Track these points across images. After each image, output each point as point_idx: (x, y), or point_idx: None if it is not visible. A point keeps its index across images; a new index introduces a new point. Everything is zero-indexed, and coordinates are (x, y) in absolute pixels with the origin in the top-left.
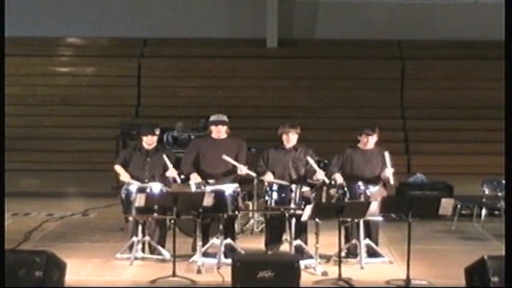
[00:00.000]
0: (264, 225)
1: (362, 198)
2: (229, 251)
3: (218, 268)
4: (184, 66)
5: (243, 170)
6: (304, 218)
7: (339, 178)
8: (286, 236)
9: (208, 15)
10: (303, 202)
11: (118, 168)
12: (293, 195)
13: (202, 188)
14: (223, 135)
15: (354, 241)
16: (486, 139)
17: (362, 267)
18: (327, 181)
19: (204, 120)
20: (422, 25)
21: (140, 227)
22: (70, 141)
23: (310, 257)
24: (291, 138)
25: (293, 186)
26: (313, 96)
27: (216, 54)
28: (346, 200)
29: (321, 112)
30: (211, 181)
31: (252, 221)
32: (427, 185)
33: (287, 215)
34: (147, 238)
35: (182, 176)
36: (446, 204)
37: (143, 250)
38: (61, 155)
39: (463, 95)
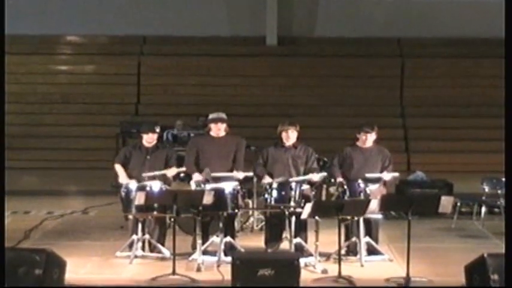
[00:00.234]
0: (263, 223)
1: (362, 196)
2: (229, 249)
3: (218, 266)
4: (184, 64)
5: (239, 175)
6: (304, 216)
7: (340, 179)
8: (286, 234)
9: (208, 13)
10: (303, 200)
11: (117, 167)
12: (293, 193)
13: (202, 186)
14: (222, 133)
15: (353, 239)
16: (486, 137)
17: (362, 265)
18: (317, 178)
19: (203, 118)
20: (422, 23)
21: (140, 225)
22: (70, 139)
23: (310, 255)
24: (290, 136)
25: (293, 184)
26: (313, 94)
27: (216, 52)
28: (345, 198)
29: (321, 110)
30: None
31: (251, 219)
32: (426, 183)
33: (287, 213)
34: (147, 236)
35: (182, 174)
36: (446, 202)
37: (143, 248)
38: (61, 153)
39: (463, 93)
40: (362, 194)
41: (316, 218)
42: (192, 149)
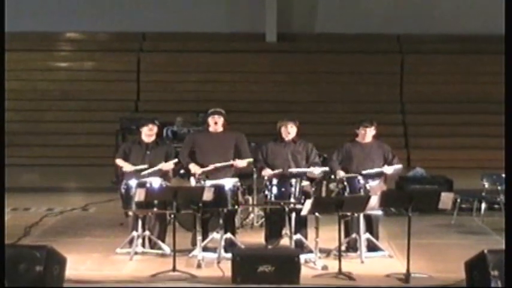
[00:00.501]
0: (263, 219)
1: (362, 193)
2: (229, 246)
3: (218, 263)
4: (183, 60)
5: (241, 162)
6: (304, 212)
7: (341, 173)
8: (286, 231)
9: (208, 9)
10: (303, 196)
11: (119, 161)
12: (293, 189)
13: (202, 182)
14: (220, 128)
15: (353, 235)
16: (486, 133)
17: (362, 262)
18: (318, 172)
19: (203, 115)
20: (422, 19)
21: (140, 222)
22: (69, 136)
23: (310, 251)
24: (289, 131)
25: (293, 181)
26: (312, 90)
27: (215, 49)
28: (345, 194)
29: (320, 106)
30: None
31: (251, 216)
32: (426, 179)
33: (287, 209)
34: (147, 233)
35: (182, 171)
36: (446, 199)
37: (143, 245)
38: (60, 149)
39: (463, 89)
40: (362, 190)
41: (316, 214)
42: (188, 143)
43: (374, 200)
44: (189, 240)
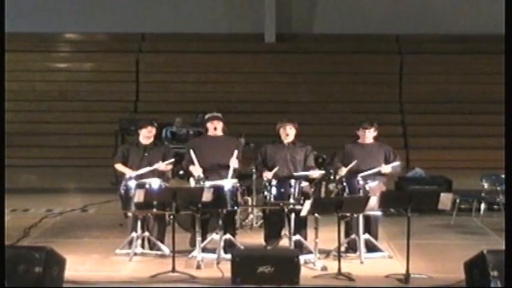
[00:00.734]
0: (263, 220)
1: (361, 193)
2: (229, 247)
3: (218, 263)
4: (182, 61)
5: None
6: (303, 213)
7: (344, 170)
8: (285, 231)
9: (207, 10)
10: (302, 197)
11: (119, 166)
12: (292, 190)
13: (201, 183)
14: (220, 133)
15: (353, 236)
16: (485, 133)
17: (362, 262)
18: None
19: (202, 116)
20: (421, 19)
21: (139, 223)
22: (68, 136)
23: (310, 252)
24: (288, 133)
25: (292, 181)
26: (312, 91)
27: (214, 50)
28: (345, 194)
29: (320, 107)
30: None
31: (251, 216)
32: (426, 179)
33: (286, 210)
34: (146, 234)
35: (181, 172)
36: (445, 199)
37: (142, 246)
38: (60, 150)
39: (462, 89)
40: (361, 191)
41: (316, 215)
42: (189, 151)
43: (373, 201)
44: (188, 241)
